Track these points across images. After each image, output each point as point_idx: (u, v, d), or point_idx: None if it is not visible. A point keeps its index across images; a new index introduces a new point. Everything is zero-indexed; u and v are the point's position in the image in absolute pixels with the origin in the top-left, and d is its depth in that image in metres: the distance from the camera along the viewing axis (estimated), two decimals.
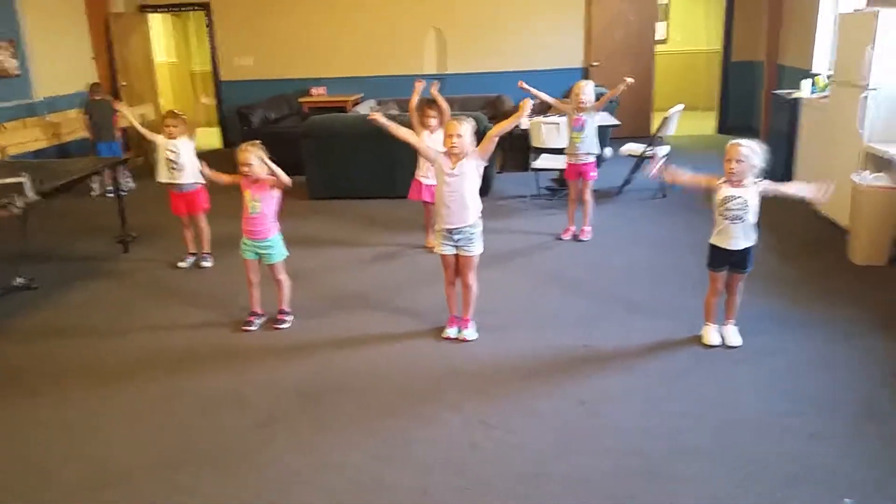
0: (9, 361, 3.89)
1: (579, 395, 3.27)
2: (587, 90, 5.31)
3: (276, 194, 3.93)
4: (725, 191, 3.48)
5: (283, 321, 4.11)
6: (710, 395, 3.23)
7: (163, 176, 5.08)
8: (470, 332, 3.89)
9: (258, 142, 3.92)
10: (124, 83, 9.60)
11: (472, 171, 3.64)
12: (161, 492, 2.72)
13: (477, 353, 3.74)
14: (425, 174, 5.17)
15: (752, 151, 3.39)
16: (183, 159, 5.01)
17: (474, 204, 3.69)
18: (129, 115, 5.59)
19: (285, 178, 3.85)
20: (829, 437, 2.87)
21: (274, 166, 3.83)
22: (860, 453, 2.77)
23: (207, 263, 5.20)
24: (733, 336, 3.67)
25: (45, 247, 5.78)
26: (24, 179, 4.39)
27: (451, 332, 3.90)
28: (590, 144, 5.35)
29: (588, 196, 5.44)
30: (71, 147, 8.24)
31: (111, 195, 7.29)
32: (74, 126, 8.02)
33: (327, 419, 3.18)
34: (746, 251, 3.54)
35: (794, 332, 3.81)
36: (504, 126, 3.69)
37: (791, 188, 3.56)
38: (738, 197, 3.44)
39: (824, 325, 3.88)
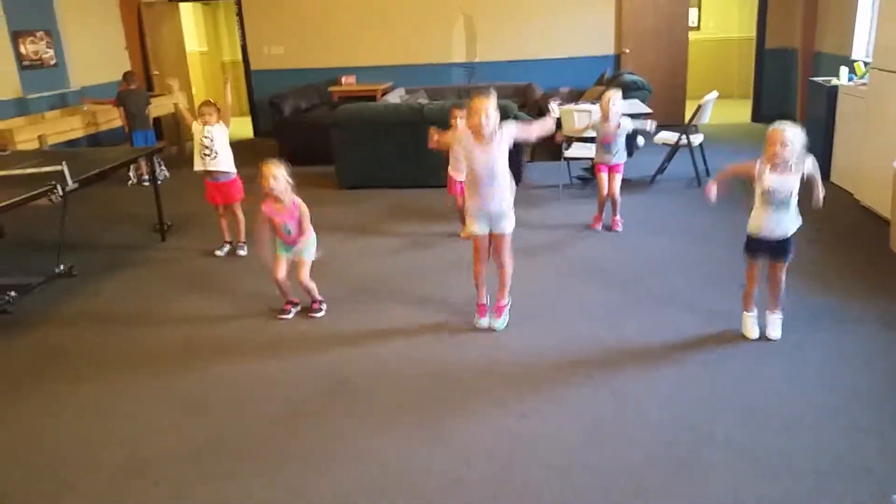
0: (51, 346, 3.98)
1: (611, 386, 3.26)
2: (616, 100, 5.31)
3: (297, 215, 3.96)
4: (769, 177, 3.40)
5: (319, 309, 4.17)
6: (743, 387, 3.20)
7: (197, 164, 5.14)
8: (500, 322, 3.88)
9: (279, 161, 3.94)
10: (156, 72, 9.73)
11: (502, 146, 3.58)
12: (197, 478, 2.77)
13: (509, 343, 3.74)
14: (457, 170, 5.15)
15: (796, 136, 3.30)
16: (217, 146, 5.06)
17: (506, 183, 3.65)
18: (181, 104, 5.61)
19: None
20: (867, 433, 2.83)
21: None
22: None
23: (243, 252, 5.26)
24: (774, 328, 3.60)
25: (83, 235, 5.89)
26: (63, 168, 4.48)
27: (483, 321, 3.89)
28: (620, 156, 5.40)
29: (616, 188, 5.39)
30: (107, 136, 8.38)
31: (146, 183, 7.41)
32: (112, 115, 8.14)
33: (361, 407, 3.21)
34: (786, 240, 3.47)
35: (831, 324, 3.74)
36: (544, 131, 3.78)
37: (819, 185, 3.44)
38: (785, 185, 3.36)
39: (863, 317, 3.81)
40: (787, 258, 3.51)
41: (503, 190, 3.65)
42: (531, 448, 2.84)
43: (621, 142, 5.39)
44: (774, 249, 3.49)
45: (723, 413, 3.00)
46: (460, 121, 4.92)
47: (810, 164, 3.37)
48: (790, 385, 3.20)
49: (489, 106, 3.52)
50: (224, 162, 5.11)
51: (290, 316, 4.13)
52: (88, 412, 3.28)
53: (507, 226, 3.74)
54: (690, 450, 2.77)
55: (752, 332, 3.62)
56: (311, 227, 4.03)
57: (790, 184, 3.35)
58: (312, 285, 4.12)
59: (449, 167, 5.31)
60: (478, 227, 3.75)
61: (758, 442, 2.79)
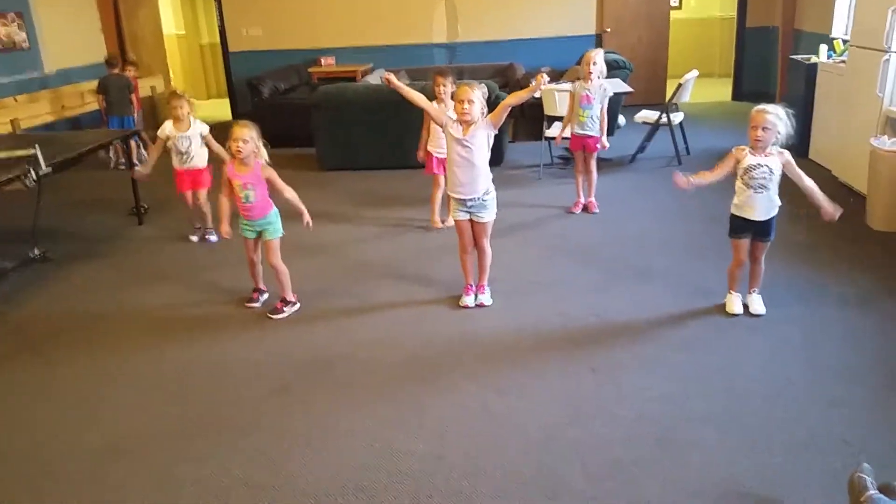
0: (25, 332, 3.93)
1: (591, 362, 3.27)
2: (599, 59, 5.15)
3: (264, 177, 3.78)
4: (749, 159, 3.41)
5: (281, 311, 3.92)
6: (723, 363, 3.22)
7: (175, 162, 5.08)
8: (486, 297, 3.92)
9: (252, 123, 3.82)
10: (133, 56, 9.56)
11: (482, 139, 3.62)
12: (175, 459, 2.75)
13: (489, 322, 3.74)
14: (437, 147, 5.08)
15: (778, 118, 3.32)
16: (193, 149, 5.00)
17: (485, 173, 3.68)
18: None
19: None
20: (845, 406, 2.86)
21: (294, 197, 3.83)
22: (876, 421, 2.76)
23: (213, 238, 5.18)
24: (757, 304, 3.63)
25: (59, 219, 5.81)
26: (36, 152, 4.40)
27: (468, 300, 3.91)
28: (594, 124, 5.18)
29: (592, 167, 5.34)
30: (83, 120, 8.25)
31: (124, 167, 7.31)
32: (87, 98, 8.01)
33: (341, 387, 3.20)
34: (769, 220, 3.49)
35: (810, 300, 3.77)
36: (520, 96, 3.62)
37: (809, 184, 3.43)
38: (763, 166, 3.38)
39: (842, 292, 3.85)
40: (769, 238, 3.54)
41: (482, 179, 3.66)
42: (512, 424, 2.85)
43: (598, 104, 5.15)
44: (757, 230, 3.52)
45: (701, 389, 3.02)
46: (443, 88, 4.87)
47: (788, 157, 3.39)
48: (769, 361, 3.22)
49: (472, 95, 3.54)
50: (200, 160, 5.08)
51: (258, 305, 4.03)
52: (64, 397, 3.24)
53: (487, 215, 3.75)
54: (669, 425, 2.78)
55: (736, 307, 3.65)
56: (287, 187, 3.83)
57: (771, 167, 3.37)
58: (284, 271, 3.91)
59: (427, 144, 5.18)
60: (458, 213, 3.79)
61: (735, 417, 2.82)
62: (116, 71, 7.51)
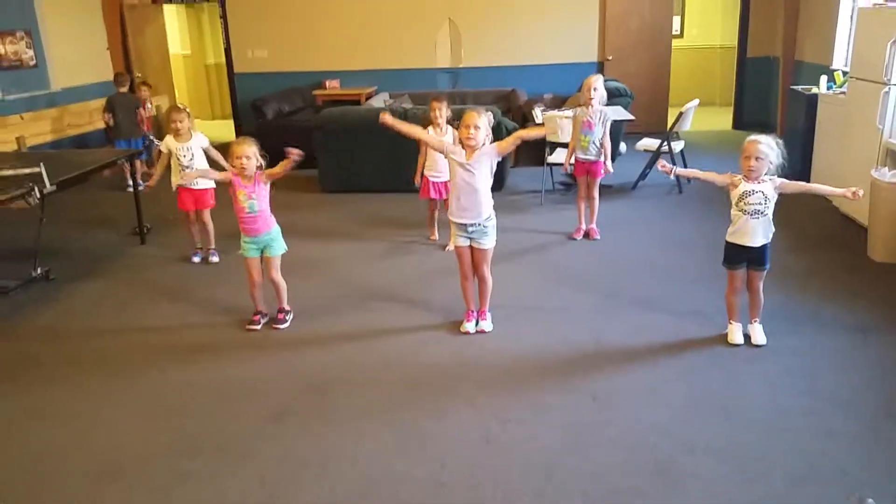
0: (26, 351, 3.92)
1: (591, 390, 3.26)
2: (599, 85, 5.17)
3: (267, 189, 3.88)
4: (744, 186, 3.44)
5: (284, 320, 4.06)
6: (722, 392, 3.21)
7: (175, 179, 5.04)
8: (487, 324, 3.93)
9: (253, 138, 3.89)
10: (139, 75, 9.65)
11: (486, 165, 3.64)
12: (172, 481, 2.74)
13: (489, 347, 3.73)
14: (434, 171, 5.17)
15: (770, 148, 3.36)
16: (196, 163, 4.98)
17: (487, 199, 3.70)
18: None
19: (285, 167, 3.85)
20: (843, 437, 2.85)
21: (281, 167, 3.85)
22: (874, 453, 2.74)
23: (215, 259, 5.18)
24: (759, 335, 3.63)
25: (62, 238, 5.83)
26: (41, 170, 4.43)
27: (469, 326, 3.91)
28: (596, 149, 5.21)
29: (595, 193, 5.36)
30: (89, 138, 8.30)
31: (130, 189, 7.32)
32: (93, 117, 8.06)
33: (339, 411, 3.19)
34: (763, 248, 3.51)
35: (810, 330, 3.77)
36: (533, 134, 3.74)
37: (817, 187, 3.49)
38: (758, 192, 3.41)
39: (842, 324, 3.85)
40: (765, 267, 3.55)
41: (484, 204, 3.68)
42: (513, 451, 2.84)
43: (599, 130, 5.16)
44: (751, 259, 3.53)
45: (700, 418, 3.01)
46: (439, 112, 5.01)
47: (778, 180, 3.43)
48: (768, 390, 3.22)
49: (478, 121, 3.58)
50: (203, 180, 4.99)
51: (259, 327, 4.03)
52: (63, 417, 3.23)
53: (487, 242, 3.76)
54: (668, 454, 2.77)
55: (738, 338, 3.65)
56: (273, 218, 3.92)
57: (766, 193, 3.40)
58: (283, 285, 4.02)
59: (425, 169, 5.26)
60: (459, 240, 3.80)
61: (734, 447, 2.81)
62: (124, 90, 7.53)
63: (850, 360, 3.47)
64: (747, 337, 3.65)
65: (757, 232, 3.47)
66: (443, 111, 5.03)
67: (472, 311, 3.95)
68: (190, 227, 5.22)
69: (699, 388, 3.25)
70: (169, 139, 5.03)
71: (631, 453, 2.79)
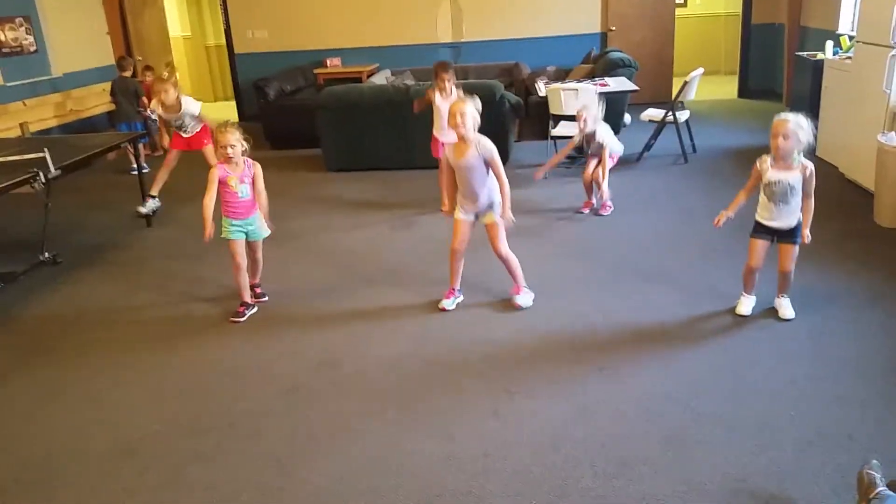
0: (36, 334, 3.96)
1: (599, 362, 3.28)
2: (586, 114, 5.19)
3: (254, 172, 3.88)
4: (771, 174, 3.39)
5: (243, 314, 3.95)
6: (731, 361, 3.22)
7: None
8: (522, 298, 3.87)
9: (233, 122, 3.87)
10: (140, 58, 9.60)
11: (477, 161, 3.63)
12: (185, 460, 2.77)
13: (498, 323, 3.74)
14: (440, 131, 5.27)
15: (799, 126, 3.28)
16: (187, 124, 5.14)
17: (487, 187, 3.70)
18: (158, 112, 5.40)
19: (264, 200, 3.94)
20: (851, 402, 2.86)
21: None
22: (883, 418, 2.75)
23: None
24: (787, 309, 3.57)
25: (68, 222, 5.85)
26: (45, 155, 4.43)
27: (447, 303, 3.90)
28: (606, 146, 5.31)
29: (599, 173, 5.29)
30: (92, 122, 8.29)
31: (134, 172, 7.34)
32: (95, 101, 8.04)
33: (349, 388, 3.21)
34: (793, 228, 3.46)
35: (818, 297, 3.77)
36: (503, 186, 3.67)
37: (809, 204, 3.44)
38: (784, 181, 3.37)
39: (850, 290, 3.84)
40: (796, 241, 3.49)
41: (486, 190, 3.69)
42: (521, 423, 2.86)
43: (603, 137, 5.31)
44: (782, 234, 3.49)
45: (709, 387, 3.02)
46: (446, 83, 5.15)
47: (810, 168, 3.37)
48: (777, 358, 3.22)
49: (466, 108, 3.57)
50: (196, 126, 5.22)
51: (244, 319, 3.95)
52: (76, 400, 3.27)
53: (495, 214, 3.75)
54: (677, 423, 2.79)
55: (745, 309, 3.63)
56: (264, 191, 3.93)
57: (790, 179, 3.36)
58: (260, 266, 4.10)
59: (434, 129, 5.38)
60: (462, 214, 3.80)
61: (742, 415, 2.82)
62: (126, 74, 7.55)
63: (859, 326, 3.47)
64: (773, 311, 3.60)
65: (783, 215, 3.42)
66: (450, 79, 5.18)
67: (455, 289, 3.94)
68: (162, 169, 5.35)
69: (707, 358, 3.25)
70: (158, 108, 5.07)
71: (639, 424, 2.81)
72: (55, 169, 4.47)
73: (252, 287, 4.09)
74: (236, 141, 3.76)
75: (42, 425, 3.09)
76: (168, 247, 5.21)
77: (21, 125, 6.85)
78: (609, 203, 5.39)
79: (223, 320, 3.96)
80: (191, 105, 5.05)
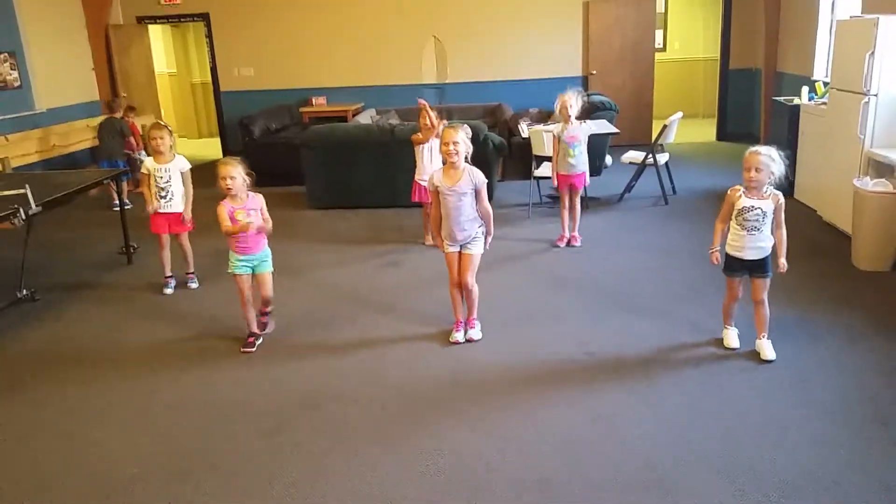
0: (12, 372, 3.88)
1: (584, 403, 3.26)
2: (573, 102, 5.31)
3: (259, 207, 3.90)
4: (744, 201, 3.47)
5: (269, 323, 4.15)
6: (715, 403, 3.22)
7: (154, 204, 4.84)
8: (475, 332, 3.96)
9: (238, 158, 3.90)
10: (124, 94, 9.63)
11: (468, 189, 3.71)
12: (164, 502, 2.70)
13: (481, 359, 3.73)
14: (425, 176, 5.27)
15: (771, 159, 3.38)
16: (173, 185, 4.81)
17: (474, 216, 3.79)
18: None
19: (268, 224, 3.94)
20: (835, 444, 2.86)
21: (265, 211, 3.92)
22: (866, 459, 2.76)
23: (194, 285, 5.01)
24: (768, 350, 3.60)
25: (48, 259, 5.78)
26: (26, 191, 4.40)
27: (458, 336, 3.94)
28: (581, 161, 5.38)
29: (577, 203, 5.51)
30: (74, 158, 8.26)
31: (116, 209, 7.28)
32: (78, 137, 8.03)
33: (332, 428, 3.17)
34: (763, 259, 3.53)
35: (798, 339, 3.80)
36: (487, 216, 3.80)
37: (781, 235, 3.50)
38: (756, 208, 3.44)
39: (829, 332, 3.88)
40: (767, 275, 3.56)
41: (470, 221, 3.78)
42: (507, 468, 2.83)
43: (584, 143, 5.35)
44: (753, 266, 3.56)
45: (694, 430, 3.02)
46: (427, 119, 5.28)
47: (782, 201, 3.45)
48: (759, 400, 3.23)
49: (456, 136, 3.67)
50: (179, 203, 4.85)
51: (254, 349, 3.97)
52: (53, 439, 3.19)
53: (476, 248, 3.83)
54: (662, 468, 2.77)
55: (733, 342, 3.69)
56: (269, 218, 3.95)
57: (764, 209, 3.43)
58: (271, 298, 4.07)
59: (416, 174, 5.45)
60: (449, 247, 3.86)
61: (728, 458, 2.81)
62: (116, 115, 7.56)
63: (839, 367, 3.50)
64: (755, 352, 3.63)
65: (754, 246, 3.49)
66: (432, 113, 5.31)
67: (461, 321, 3.98)
68: (161, 252, 4.95)
69: (691, 400, 3.25)
70: (148, 160, 4.87)
71: (624, 467, 2.79)
72: (36, 205, 4.43)
73: (261, 313, 4.12)
74: (237, 174, 3.78)
75: (17, 464, 3.01)
76: (148, 284, 5.15)
77: (2, 160, 6.81)
78: (578, 234, 5.56)
79: (204, 358, 3.91)
80: (181, 160, 4.91)
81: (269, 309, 4.12)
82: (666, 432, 3.00)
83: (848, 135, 5.28)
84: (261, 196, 3.94)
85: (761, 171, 3.38)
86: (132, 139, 7.60)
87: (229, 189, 3.79)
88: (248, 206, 3.84)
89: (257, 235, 3.89)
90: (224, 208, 3.83)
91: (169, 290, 4.97)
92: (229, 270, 3.93)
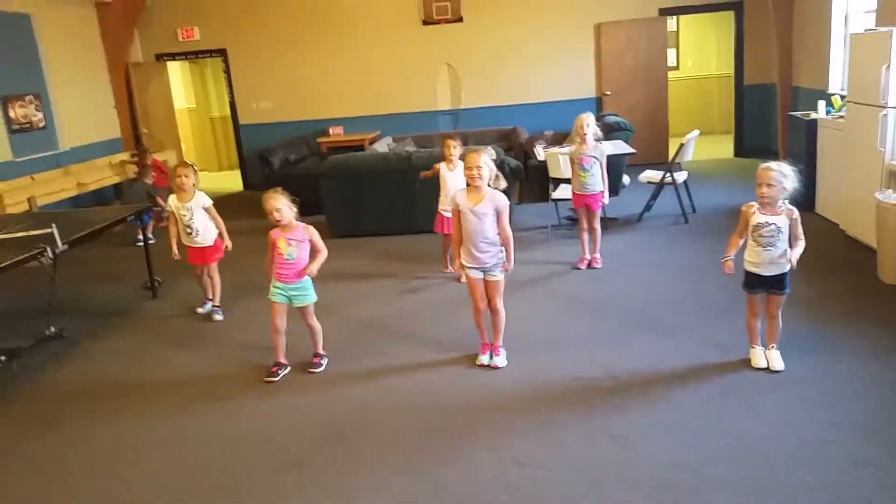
0: (41, 410, 3.93)
1: (608, 426, 3.24)
2: (590, 121, 5.36)
3: (307, 237, 3.93)
4: (758, 217, 3.47)
5: (319, 364, 4.11)
6: (739, 423, 3.18)
7: (183, 239, 5.01)
8: (500, 360, 3.95)
9: (279, 188, 3.95)
10: (145, 130, 9.83)
11: (488, 211, 3.73)
12: None
13: (504, 385, 3.72)
14: (445, 207, 5.29)
15: (783, 175, 3.38)
16: (197, 222, 4.92)
17: (495, 238, 3.79)
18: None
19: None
20: (864, 465, 2.81)
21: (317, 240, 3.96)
22: None
23: (219, 317, 5.09)
24: (777, 361, 3.62)
25: (74, 296, 5.87)
26: (53, 230, 4.49)
27: (484, 358, 3.95)
28: (595, 181, 5.36)
29: (596, 225, 5.50)
30: (100, 194, 8.41)
31: (140, 244, 7.37)
32: (101, 174, 8.18)
33: (354, 460, 3.17)
34: (781, 275, 3.51)
35: (825, 356, 3.75)
36: (508, 238, 3.78)
37: (798, 245, 3.47)
38: (771, 224, 3.43)
39: (856, 347, 3.83)
40: (784, 292, 3.55)
41: (489, 244, 3.78)
42: (531, 494, 2.81)
43: (598, 166, 5.35)
44: (770, 284, 3.54)
45: (720, 452, 2.98)
46: (454, 150, 5.28)
47: (797, 215, 3.44)
48: (787, 420, 3.18)
49: (479, 161, 3.70)
50: (207, 237, 4.98)
51: (277, 379, 4.00)
52: (80, 476, 3.23)
53: (499, 273, 3.84)
54: (688, 491, 2.74)
55: (761, 361, 3.66)
56: (323, 248, 3.99)
57: (778, 225, 3.42)
58: (319, 330, 4.10)
59: (439, 204, 5.44)
60: (471, 272, 3.87)
61: (756, 480, 2.77)
62: (147, 179, 7.71)
63: (867, 384, 3.44)
64: (767, 363, 3.64)
65: (771, 262, 3.48)
66: (456, 148, 5.33)
67: (487, 343, 3.98)
68: (200, 281, 5.25)
69: (717, 421, 3.22)
70: (172, 199, 4.98)
71: (650, 491, 2.76)
72: (62, 244, 4.51)
73: (313, 353, 4.15)
74: (282, 205, 3.85)
75: (49, 500, 3.04)
76: (173, 319, 5.22)
77: (28, 199, 6.96)
78: (599, 256, 5.54)
79: (230, 391, 3.94)
80: (202, 197, 5.03)
81: (319, 350, 4.14)
82: (691, 455, 2.97)
83: (867, 148, 5.24)
84: (311, 228, 3.96)
85: (773, 187, 3.38)
86: (159, 199, 7.61)
87: (279, 221, 3.87)
88: (293, 237, 3.90)
89: (300, 264, 3.93)
90: (272, 235, 3.93)
91: (201, 310, 5.22)
92: (268, 297, 4.00)
